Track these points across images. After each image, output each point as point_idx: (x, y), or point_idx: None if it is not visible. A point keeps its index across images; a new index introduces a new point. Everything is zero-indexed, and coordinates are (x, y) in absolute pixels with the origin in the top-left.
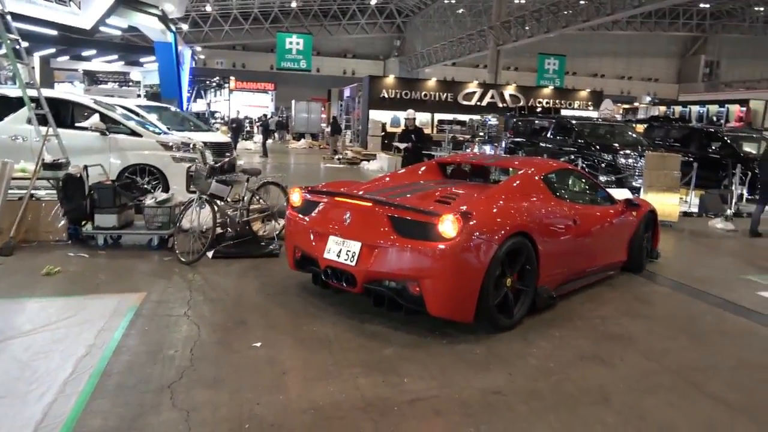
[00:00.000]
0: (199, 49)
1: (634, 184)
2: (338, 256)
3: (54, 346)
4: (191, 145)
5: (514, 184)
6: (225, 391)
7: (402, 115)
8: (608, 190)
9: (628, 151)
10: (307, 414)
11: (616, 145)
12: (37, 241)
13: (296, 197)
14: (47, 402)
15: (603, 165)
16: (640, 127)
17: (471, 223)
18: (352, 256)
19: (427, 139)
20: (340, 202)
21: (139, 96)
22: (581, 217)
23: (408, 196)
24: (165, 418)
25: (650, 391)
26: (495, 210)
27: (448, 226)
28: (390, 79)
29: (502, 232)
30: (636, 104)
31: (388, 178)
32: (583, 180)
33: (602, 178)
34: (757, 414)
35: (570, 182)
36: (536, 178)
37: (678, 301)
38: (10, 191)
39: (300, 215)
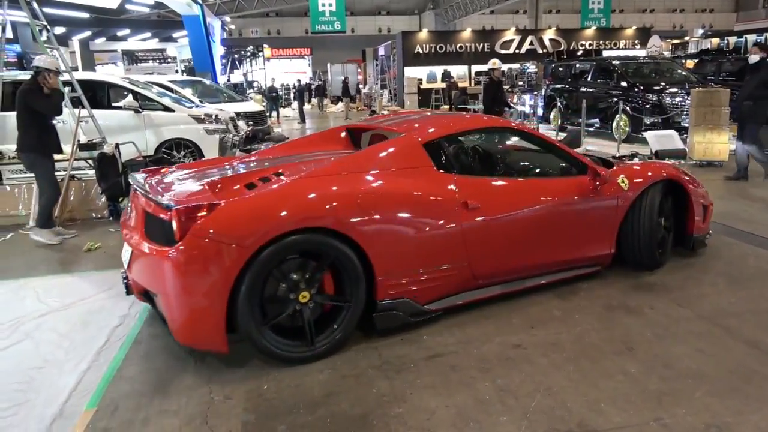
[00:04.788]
0: (228, 19)
1: (682, 123)
2: (124, 258)
3: (91, 317)
4: (214, 116)
5: (367, 157)
6: (245, 355)
7: (439, 71)
8: (592, 150)
9: (674, 90)
10: (324, 374)
11: (662, 84)
12: (81, 219)
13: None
14: (82, 370)
15: (648, 106)
16: (691, 63)
17: (202, 220)
18: (127, 260)
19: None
20: (134, 192)
21: (177, 72)
22: (488, 196)
23: (208, 179)
24: (190, 382)
25: (679, 338)
26: (266, 199)
27: (173, 224)
28: (423, 34)
29: (267, 230)
30: (686, 38)
31: (278, 152)
32: (525, 141)
33: (647, 120)
34: None
35: (502, 147)
36: (413, 145)
37: (720, 243)
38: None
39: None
